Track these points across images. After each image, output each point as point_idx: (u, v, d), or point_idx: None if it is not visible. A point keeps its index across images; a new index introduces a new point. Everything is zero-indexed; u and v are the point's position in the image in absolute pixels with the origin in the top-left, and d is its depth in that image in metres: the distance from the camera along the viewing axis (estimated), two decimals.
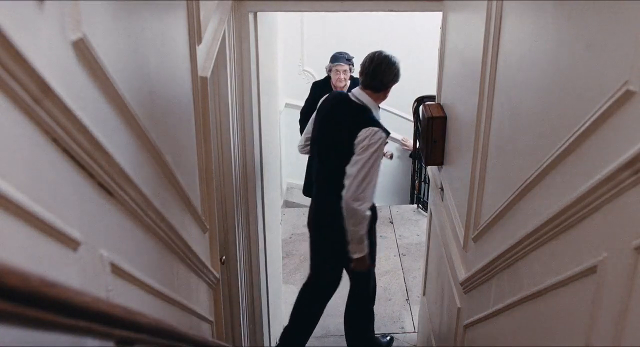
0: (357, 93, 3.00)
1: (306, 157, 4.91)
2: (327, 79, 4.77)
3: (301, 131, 4.59)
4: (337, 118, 3.00)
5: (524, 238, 1.49)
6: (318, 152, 3.12)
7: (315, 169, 3.19)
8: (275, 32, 3.44)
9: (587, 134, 1.11)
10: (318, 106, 3.22)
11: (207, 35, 1.94)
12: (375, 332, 3.62)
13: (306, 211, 5.38)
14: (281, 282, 4.14)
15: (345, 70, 4.66)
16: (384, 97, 3.05)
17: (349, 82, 4.70)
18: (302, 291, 3.39)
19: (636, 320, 0.94)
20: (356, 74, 4.30)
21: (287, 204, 5.72)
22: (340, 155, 2.86)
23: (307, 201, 5.60)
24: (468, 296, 2.27)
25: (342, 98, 3.08)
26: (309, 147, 3.27)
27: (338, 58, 4.67)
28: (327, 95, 3.29)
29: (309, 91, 4.81)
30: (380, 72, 2.93)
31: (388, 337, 3.93)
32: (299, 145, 3.40)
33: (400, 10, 3.34)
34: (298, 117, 4.84)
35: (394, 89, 4.28)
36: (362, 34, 5.31)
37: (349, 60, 4.65)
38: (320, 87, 4.68)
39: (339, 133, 2.93)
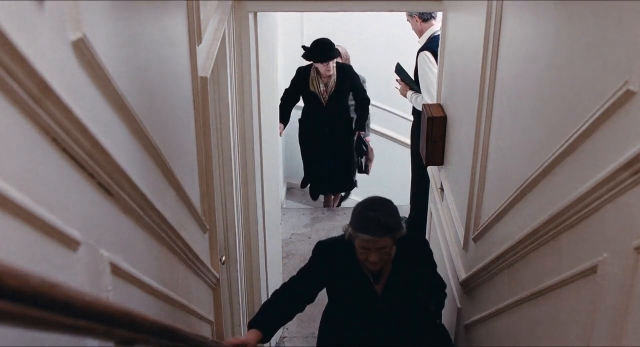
0: None
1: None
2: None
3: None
4: None
5: (524, 238, 1.49)
6: None
7: None
8: (275, 32, 3.44)
9: (587, 134, 1.11)
10: None
11: (207, 35, 1.94)
12: None
13: (306, 211, 5.36)
14: (281, 282, 4.13)
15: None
16: None
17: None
18: None
19: (636, 320, 0.94)
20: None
21: (287, 204, 5.71)
22: None
23: (307, 200, 5.58)
24: (468, 296, 2.27)
25: None
26: None
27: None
28: None
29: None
30: None
31: None
32: None
33: (400, 10, 3.35)
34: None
35: (393, 89, 4.28)
36: (361, 34, 5.30)
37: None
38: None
39: None
